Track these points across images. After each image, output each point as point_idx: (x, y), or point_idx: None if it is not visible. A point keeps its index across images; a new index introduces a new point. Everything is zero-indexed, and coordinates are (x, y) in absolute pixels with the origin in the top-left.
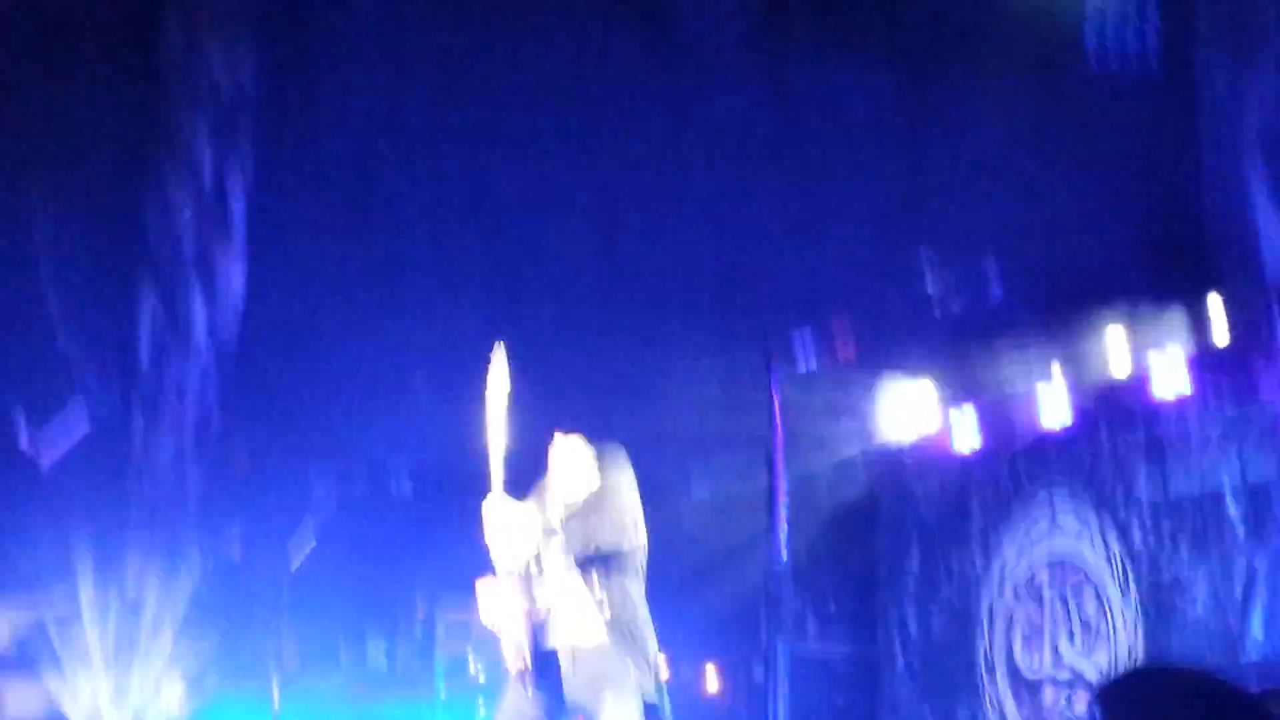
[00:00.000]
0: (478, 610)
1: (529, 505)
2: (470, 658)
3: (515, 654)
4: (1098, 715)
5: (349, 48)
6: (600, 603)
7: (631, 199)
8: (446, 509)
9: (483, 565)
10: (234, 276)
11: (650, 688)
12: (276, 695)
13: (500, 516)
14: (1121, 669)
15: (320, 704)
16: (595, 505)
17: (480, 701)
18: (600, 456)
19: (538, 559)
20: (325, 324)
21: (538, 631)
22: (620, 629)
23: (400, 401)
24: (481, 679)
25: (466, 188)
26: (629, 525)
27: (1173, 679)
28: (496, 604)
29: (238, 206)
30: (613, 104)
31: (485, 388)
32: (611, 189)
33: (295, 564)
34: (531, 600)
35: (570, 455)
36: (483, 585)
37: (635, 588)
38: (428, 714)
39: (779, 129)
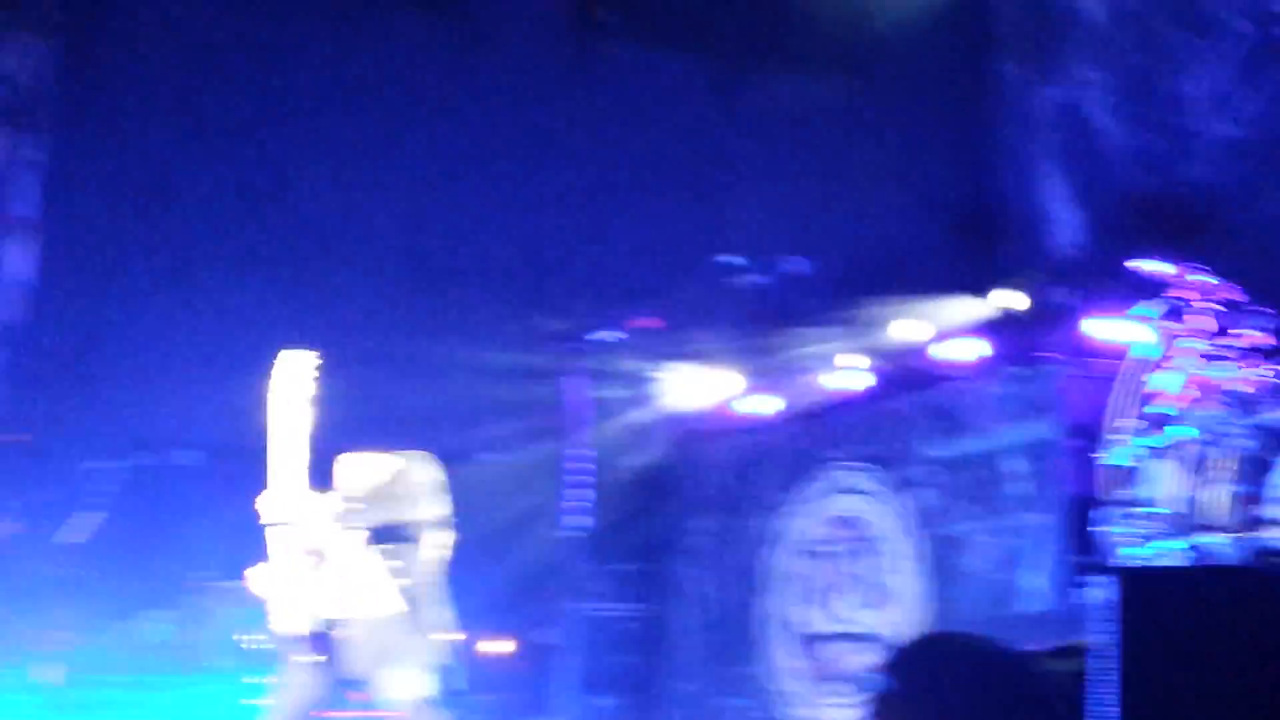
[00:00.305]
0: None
1: (310, 495)
2: (249, 628)
3: (295, 627)
4: (888, 683)
5: (152, 31)
6: (393, 573)
7: (436, 176)
8: (229, 478)
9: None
10: (20, 256)
11: (440, 657)
12: (55, 673)
13: (277, 514)
14: (907, 632)
15: (99, 680)
16: (389, 484)
17: (262, 674)
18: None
19: (323, 540)
20: (119, 300)
21: (322, 607)
22: (412, 600)
23: (184, 375)
24: (262, 647)
25: (265, 170)
26: (420, 501)
27: (955, 645)
28: (273, 578)
29: (31, 184)
30: (420, 90)
31: (271, 389)
32: (416, 170)
33: (70, 538)
34: (316, 576)
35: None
36: (253, 572)
37: (427, 561)
38: (209, 685)
39: (584, 110)
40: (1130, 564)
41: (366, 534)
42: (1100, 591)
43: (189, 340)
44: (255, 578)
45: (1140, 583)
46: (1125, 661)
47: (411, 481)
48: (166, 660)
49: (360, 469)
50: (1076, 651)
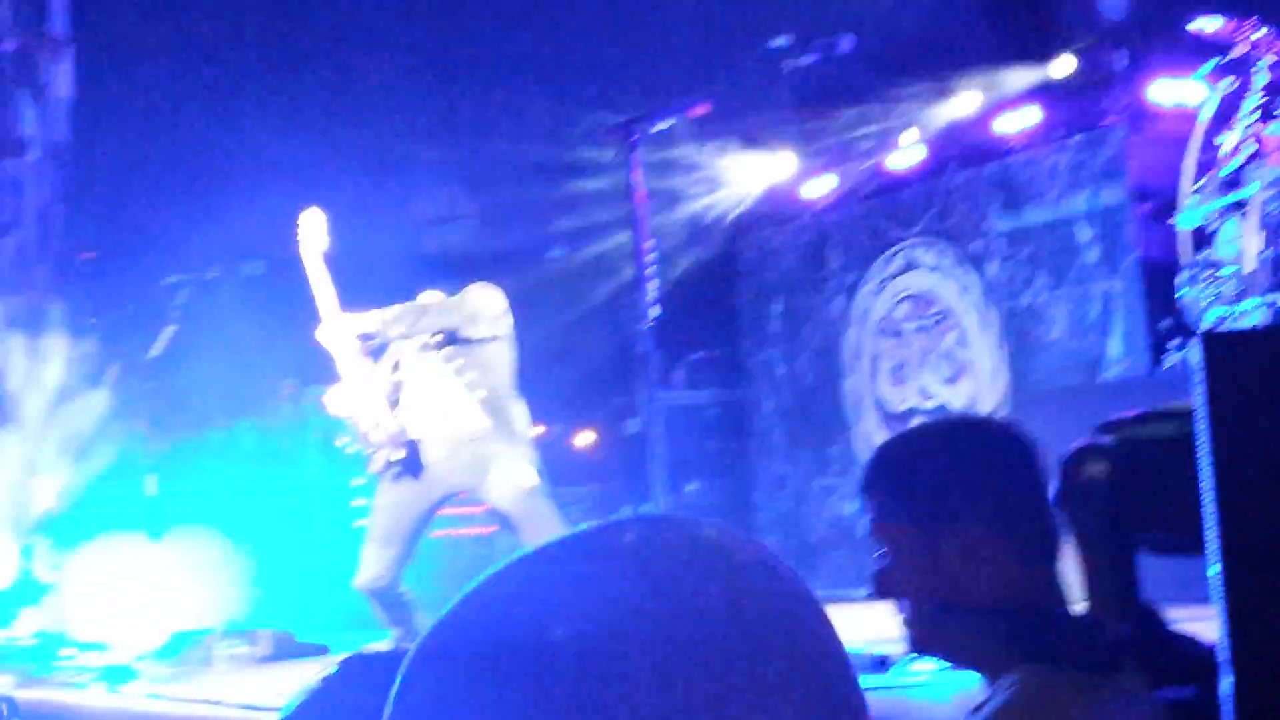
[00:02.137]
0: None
1: (368, 314)
2: (343, 431)
3: (382, 442)
4: (872, 504)
5: None
6: (469, 384)
7: None
8: (303, 284)
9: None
10: (60, 74)
11: (529, 459)
12: (151, 481)
13: (337, 344)
14: (989, 406)
15: (194, 487)
16: (448, 302)
17: (355, 477)
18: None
19: (394, 362)
20: (161, 121)
21: (406, 426)
22: (493, 408)
23: (245, 189)
24: (353, 450)
25: None
26: (483, 311)
27: (927, 440)
28: (350, 399)
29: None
30: None
31: (299, 248)
32: None
33: (156, 350)
34: (392, 395)
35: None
36: (331, 393)
37: (502, 366)
38: (302, 489)
39: None
40: (1213, 326)
41: (435, 351)
42: (1185, 354)
43: (240, 153)
44: (332, 400)
45: (1226, 347)
46: (1214, 428)
47: (471, 302)
48: (260, 465)
49: (424, 297)
50: (1171, 415)
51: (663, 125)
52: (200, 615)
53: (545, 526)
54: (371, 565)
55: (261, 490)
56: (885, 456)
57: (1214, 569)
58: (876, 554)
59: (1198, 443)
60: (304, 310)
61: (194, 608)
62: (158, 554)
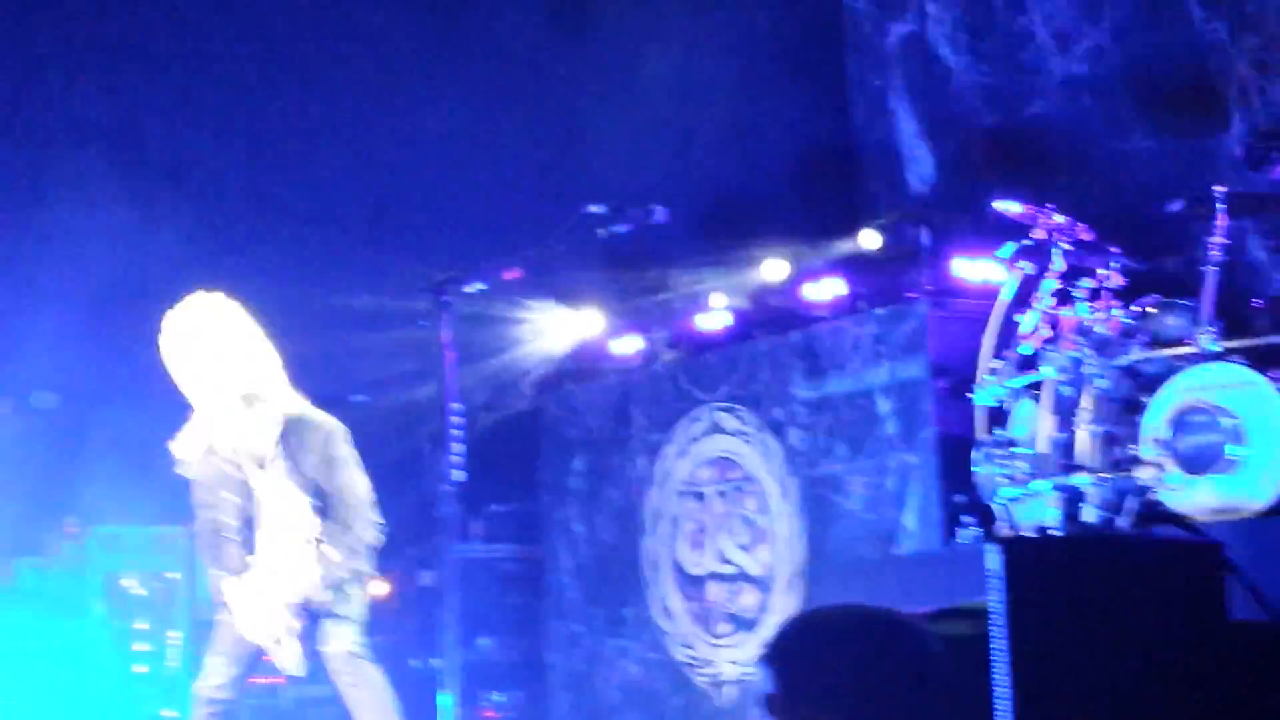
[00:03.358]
0: (133, 522)
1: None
2: (127, 573)
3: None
4: (768, 675)
5: None
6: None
7: (290, 132)
8: (96, 420)
9: (135, 476)
10: None
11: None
12: None
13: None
14: (785, 573)
15: None
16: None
17: (138, 620)
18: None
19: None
20: None
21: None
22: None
23: (41, 318)
24: (142, 593)
25: (114, 109)
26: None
27: (836, 622)
28: (243, 593)
29: None
30: (272, 31)
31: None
32: (268, 118)
33: None
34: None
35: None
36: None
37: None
38: (83, 632)
39: (440, 63)
40: (1004, 505)
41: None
42: (972, 533)
43: (51, 284)
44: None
45: (1025, 552)
46: (1012, 632)
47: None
48: (41, 607)
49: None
50: (964, 614)
51: (475, 287)
52: None
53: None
54: (216, 674)
55: (40, 631)
56: (788, 638)
57: None
58: None
59: (992, 643)
60: (94, 446)
61: None
62: None
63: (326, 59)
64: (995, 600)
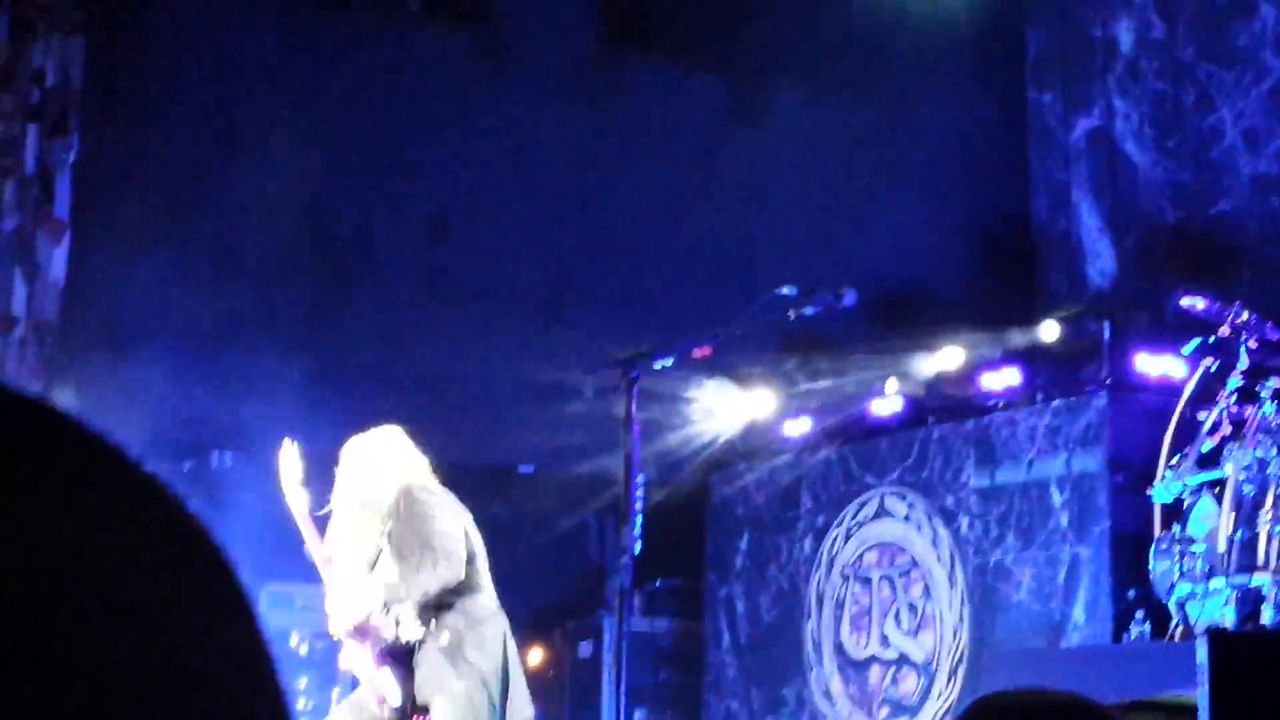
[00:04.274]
0: (300, 582)
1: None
2: (294, 630)
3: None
4: None
5: (181, 37)
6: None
7: (466, 210)
8: (260, 476)
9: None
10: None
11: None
12: None
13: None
14: (951, 662)
15: None
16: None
17: (303, 679)
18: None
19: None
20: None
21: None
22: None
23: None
24: (303, 651)
25: (294, 183)
26: (452, 555)
27: (1030, 702)
28: (359, 655)
29: (62, 184)
30: (449, 105)
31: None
32: (446, 189)
33: None
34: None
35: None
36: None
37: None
38: None
39: (628, 140)
40: (1180, 602)
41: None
42: (1139, 630)
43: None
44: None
45: (1231, 646)
46: None
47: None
48: None
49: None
50: (1158, 708)
51: (664, 364)
52: None
53: None
54: None
55: None
56: (978, 711)
57: None
58: None
59: None
60: (267, 505)
61: None
62: None
63: (511, 135)
64: (1202, 692)
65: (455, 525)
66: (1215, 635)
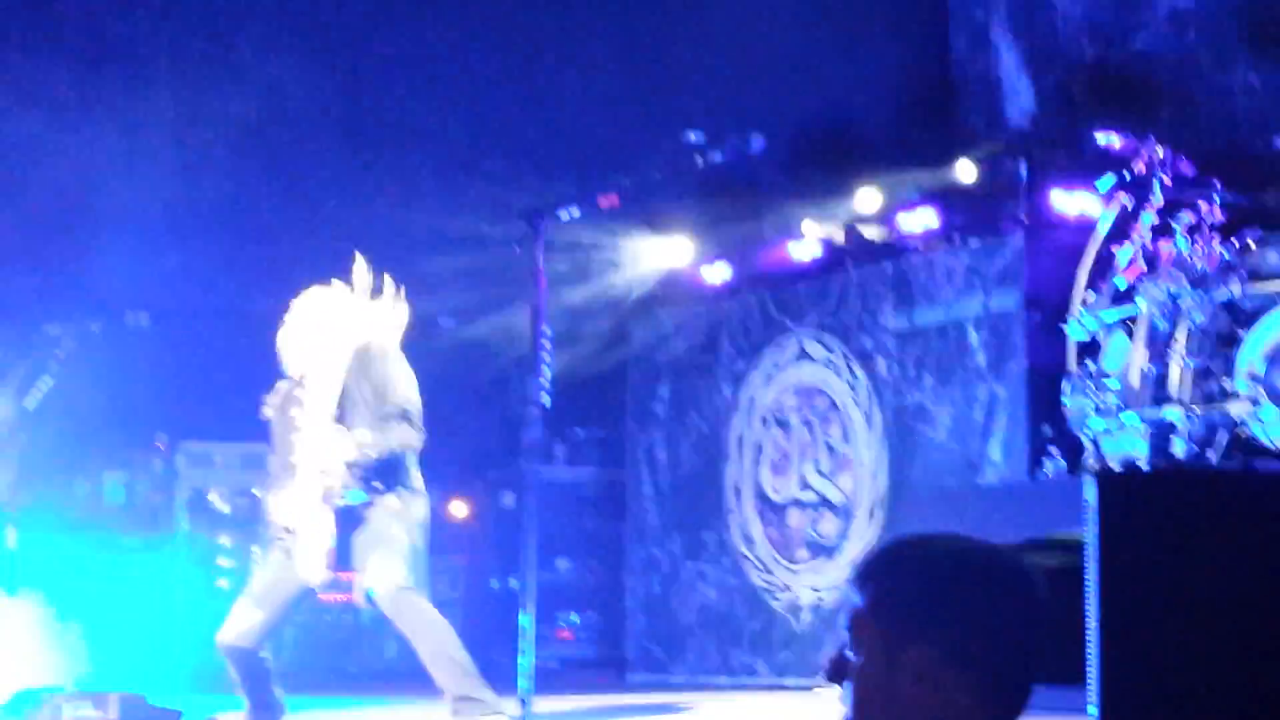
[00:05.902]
0: (221, 439)
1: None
2: (213, 489)
3: (289, 515)
4: (858, 595)
5: None
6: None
7: (380, 56)
8: (186, 340)
9: (224, 394)
10: None
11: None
12: (11, 534)
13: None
14: (868, 502)
15: (56, 541)
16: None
17: (222, 536)
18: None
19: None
20: (51, 168)
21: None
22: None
23: (134, 239)
24: (225, 510)
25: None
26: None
27: (930, 549)
28: (293, 498)
29: None
30: None
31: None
32: (369, 53)
33: (31, 402)
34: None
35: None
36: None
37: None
38: (168, 547)
39: None
40: (1092, 436)
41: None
42: (1054, 465)
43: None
44: (275, 504)
45: (1123, 485)
46: (1106, 565)
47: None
48: (126, 521)
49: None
50: (1054, 546)
51: (570, 213)
52: (51, 674)
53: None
54: (238, 622)
55: (125, 546)
56: (884, 556)
57: (1092, 709)
58: (844, 644)
59: (1085, 576)
60: (184, 364)
61: (46, 666)
62: (11, 609)
63: None
64: (1091, 533)
65: (415, 390)
66: (1102, 474)
